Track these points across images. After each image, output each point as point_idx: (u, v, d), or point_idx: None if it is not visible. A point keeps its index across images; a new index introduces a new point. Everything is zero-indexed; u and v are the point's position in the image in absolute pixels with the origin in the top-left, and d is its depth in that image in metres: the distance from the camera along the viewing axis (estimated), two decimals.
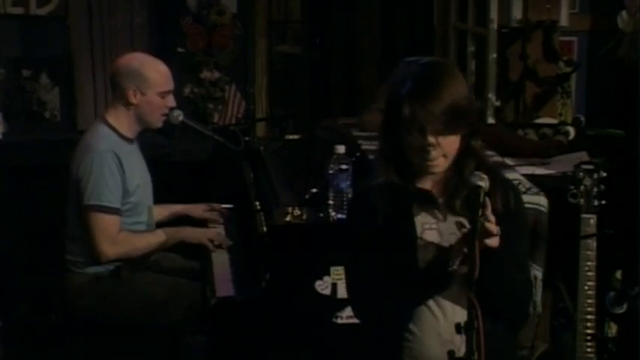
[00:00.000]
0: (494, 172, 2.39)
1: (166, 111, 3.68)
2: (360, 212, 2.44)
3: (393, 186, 2.38)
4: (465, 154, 2.35)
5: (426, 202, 2.39)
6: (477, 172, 2.23)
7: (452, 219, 2.36)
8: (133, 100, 3.60)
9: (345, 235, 2.50)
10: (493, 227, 2.18)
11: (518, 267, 2.37)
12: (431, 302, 2.38)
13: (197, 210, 3.98)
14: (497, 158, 3.34)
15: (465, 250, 2.17)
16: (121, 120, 3.63)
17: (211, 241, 3.66)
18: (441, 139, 2.28)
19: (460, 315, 2.26)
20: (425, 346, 2.38)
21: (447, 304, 2.37)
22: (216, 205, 4.01)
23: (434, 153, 2.29)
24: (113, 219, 3.54)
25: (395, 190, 2.38)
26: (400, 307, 2.38)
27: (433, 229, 2.38)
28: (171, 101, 3.68)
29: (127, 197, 3.59)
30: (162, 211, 3.90)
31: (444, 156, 2.31)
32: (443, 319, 2.37)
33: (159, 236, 3.68)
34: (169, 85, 3.67)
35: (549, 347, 3.52)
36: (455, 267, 2.24)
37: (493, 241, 2.19)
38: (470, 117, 2.33)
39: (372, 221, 2.39)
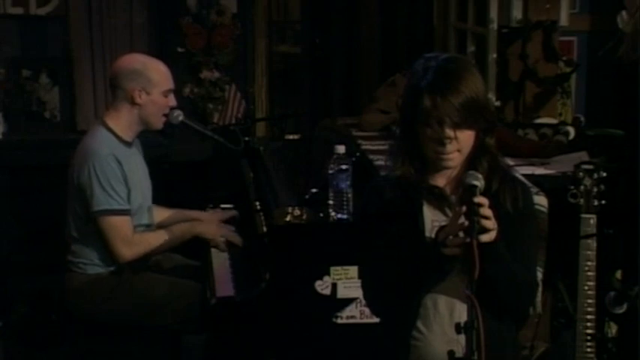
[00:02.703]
0: (505, 172, 2.41)
1: (168, 111, 3.68)
2: (371, 204, 2.46)
3: (405, 180, 2.40)
4: (479, 151, 2.37)
5: (438, 198, 2.41)
6: (472, 172, 2.24)
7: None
8: (139, 101, 3.59)
9: (358, 227, 2.51)
10: (489, 223, 2.18)
11: (524, 266, 2.37)
12: (438, 301, 2.39)
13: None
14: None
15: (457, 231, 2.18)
16: (122, 122, 3.63)
17: (225, 239, 3.65)
18: (458, 133, 2.30)
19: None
20: (432, 345, 2.39)
21: (455, 304, 2.38)
22: (221, 215, 3.94)
23: (449, 147, 2.31)
24: (125, 220, 3.54)
25: (407, 185, 2.40)
26: (404, 302, 2.38)
27: (443, 226, 2.39)
28: (172, 100, 3.69)
29: (129, 200, 3.58)
30: (164, 213, 3.88)
31: (459, 151, 2.34)
32: (450, 319, 2.37)
33: (173, 233, 3.67)
34: (171, 83, 3.68)
35: (549, 347, 3.52)
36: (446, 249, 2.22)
37: (488, 237, 2.19)
38: (486, 114, 2.36)
39: (382, 213, 2.40)
